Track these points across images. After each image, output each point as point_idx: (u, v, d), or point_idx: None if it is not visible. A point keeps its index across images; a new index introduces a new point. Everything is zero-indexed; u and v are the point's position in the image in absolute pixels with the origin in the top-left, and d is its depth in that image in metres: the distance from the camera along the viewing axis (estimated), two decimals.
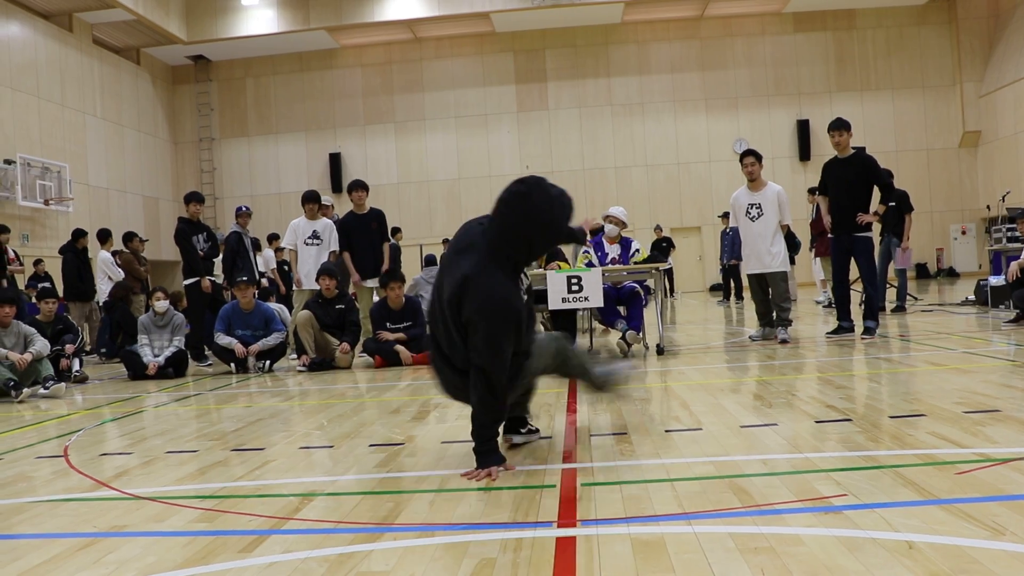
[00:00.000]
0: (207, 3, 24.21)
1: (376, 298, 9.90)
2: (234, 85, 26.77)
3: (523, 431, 4.06)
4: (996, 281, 11.10)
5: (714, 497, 2.92)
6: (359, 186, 9.80)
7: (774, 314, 8.59)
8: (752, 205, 8.59)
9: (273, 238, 15.22)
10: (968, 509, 2.58)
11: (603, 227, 8.71)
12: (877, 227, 9.81)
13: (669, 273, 20.23)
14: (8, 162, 18.15)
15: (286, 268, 13.19)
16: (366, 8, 23.93)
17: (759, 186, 8.64)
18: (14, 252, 13.48)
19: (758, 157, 8.70)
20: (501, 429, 3.70)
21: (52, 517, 3.21)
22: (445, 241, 19.30)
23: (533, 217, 3.51)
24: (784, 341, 8.30)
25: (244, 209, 10.95)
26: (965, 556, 2.18)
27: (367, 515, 2.97)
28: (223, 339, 8.75)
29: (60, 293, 12.50)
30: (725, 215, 17.53)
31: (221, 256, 10.65)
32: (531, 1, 23.11)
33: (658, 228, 21.60)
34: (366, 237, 9.60)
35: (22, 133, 19.12)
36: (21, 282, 13.68)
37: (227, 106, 26.80)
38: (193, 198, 10.08)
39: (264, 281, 12.84)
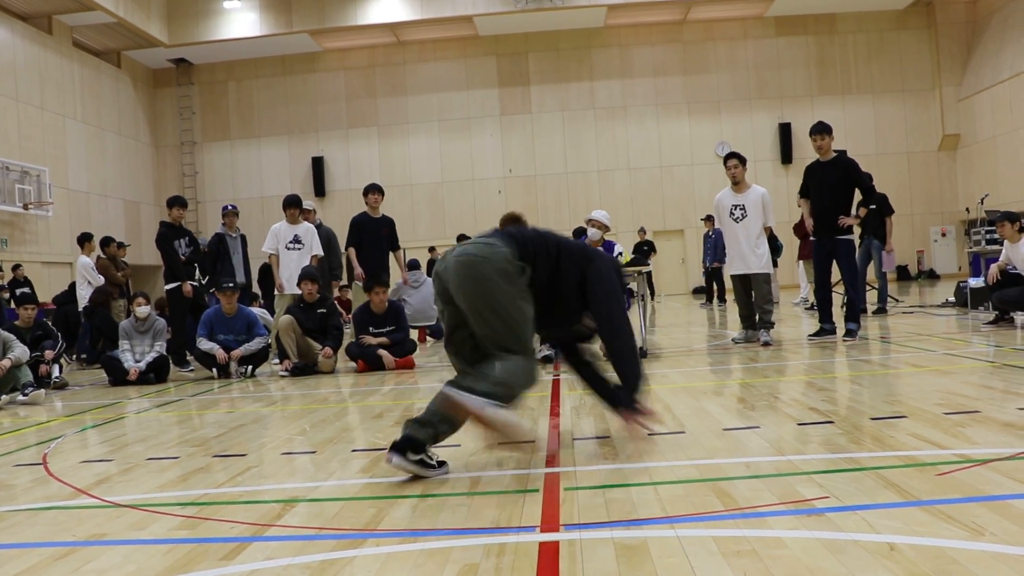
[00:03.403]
0: (188, 6, 24.09)
1: None
2: (216, 88, 26.65)
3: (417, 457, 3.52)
4: (976, 283, 11.19)
5: (697, 501, 2.92)
6: (375, 189, 9.90)
7: (757, 317, 8.62)
8: (736, 206, 8.63)
9: None
10: (949, 510, 2.59)
11: (586, 231, 8.73)
12: (858, 230, 9.88)
13: (648, 276, 20.24)
14: None
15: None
16: (349, 11, 23.90)
17: (743, 188, 8.69)
18: None
19: (741, 160, 8.74)
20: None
21: (31, 526, 3.17)
22: (432, 249, 19.27)
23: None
24: (767, 343, 8.33)
25: (229, 208, 10.62)
26: (946, 557, 2.20)
27: (349, 521, 2.96)
28: (205, 344, 8.69)
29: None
30: (708, 218, 17.58)
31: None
32: (514, 4, 23.14)
33: (642, 231, 21.62)
34: (375, 241, 9.70)
35: (1, 136, 18.95)
36: None
37: (209, 109, 26.68)
38: (176, 202, 10.00)
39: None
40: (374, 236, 9.73)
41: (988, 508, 2.60)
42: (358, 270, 9.70)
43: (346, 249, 9.97)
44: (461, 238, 16.00)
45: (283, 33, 24.21)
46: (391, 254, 9.98)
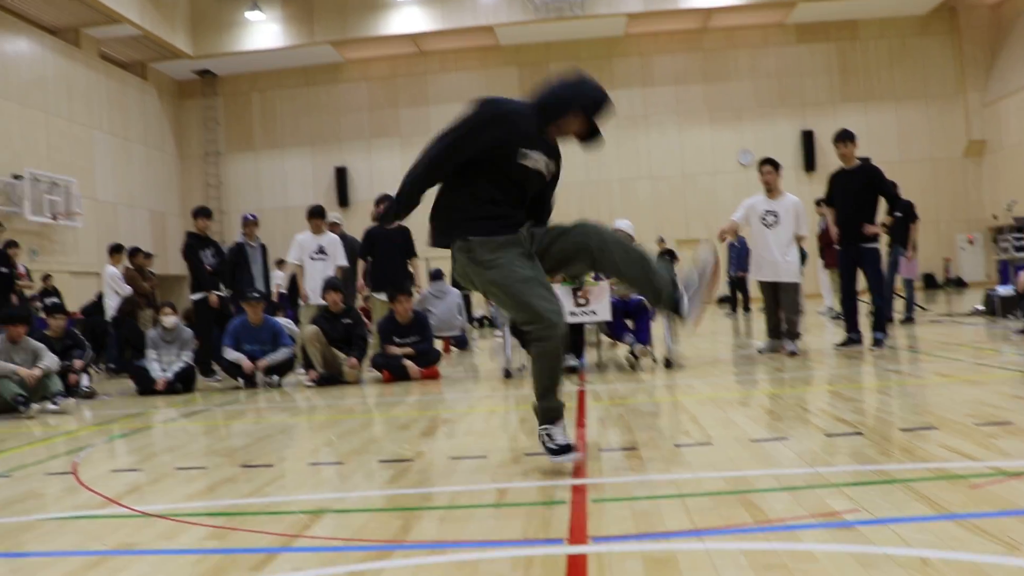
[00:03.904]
0: (213, 18, 24.35)
1: None
2: (240, 99, 26.89)
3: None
4: (1005, 291, 11.07)
5: (725, 513, 2.90)
6: (388, 199, 9.81)
7: (784, 326, 8.54)
8: (769, 212, 8.53)
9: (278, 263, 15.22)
10: (982, 524, 2.56)
11: None
12: (885, 238, 9.78)
13: None
14: (16, 177, 18.24)
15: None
16: (371, 22, 24.05)
17: (776, 195, 8.59)
18: (24, 267, 13.52)
19: (775, 165, 8.64)
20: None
21: (61, 535, 3.20)
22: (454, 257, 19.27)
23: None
24: (793, 353, 8.27)
25: (251, 218, 10.55)
26: (980, 572, 2.17)
27: (377, 532, 2.96)
28: (231, 354, 8.74)
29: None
30: None
31: None
32: (535, 14, 23.19)
33: (661, 240, 21.56)
34: (389, 251, 9.66)
35: (30, 148, 19.22)
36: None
37: (233, 120, 26.92)
38: (201, 213, 10.08)
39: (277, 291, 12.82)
40: (388, 246, 9.69)
41: (1023, 522, 2.57)
42: (359, 283, 9.65)
43: (359, 260, 9.90)
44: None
45: (306, 44, 24.39)
46: (409, 262, 9.89)
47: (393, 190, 3.98)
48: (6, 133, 18.55)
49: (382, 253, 9.67)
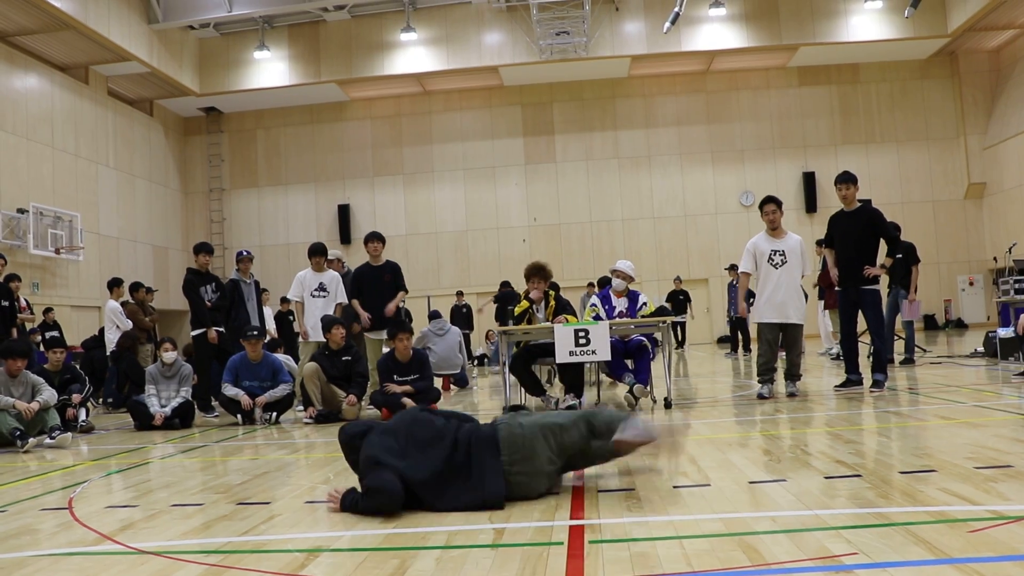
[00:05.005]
0: (220, 56, 24.66)
1: (384, 350, 9.90)
2: (245, 136, 27.13)
3: None
4: (1005, 333, 11.05)
5: (723, 555, 2.88)
6: (375, 237, 9.87)
7: (785, 368, 8.51)
8: (776, 252, 8.38)
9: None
10: (982, 569, 2.54)
11: (611, 281, 8.73)
12: (885, 279, 9.81)
13: (683, 325, 20.22)
14: (21, 211, 18.34)
15: (291, 318, 13.16)
16: (376, 61, 24.33)
17: (781, 234, 8.49)
18: (26, 301, 13.54)
19: (779, 204, 8.52)
20: None
21: (54, 572, 3.18)
22: (459, 294, 19.45)
23: None
24: (792, 395, 8.24)
25: (244, 254, 10.55)
26: None
27: (373, 572, 2.94)
28: (230, 390, 8.73)
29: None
30: (732, 267, 17.52)
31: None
32: (539, 55, 23.45)
33: (678, 279, 21.34)
34: (379, 289, 9.64)
35: (36, 182, 19.37)
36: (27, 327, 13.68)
37: (237, 157, 27.13)
38: (202, 249, 10.11)
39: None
40: (375, 284, 9.68)
41: (1022, 568, 2.55)
42: (364, 315, 9.58)
43: (349, 300, 9.86)
44: (504, 284, 16.14)
45: (311, 83, 24.66)
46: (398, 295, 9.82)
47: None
48: (13, 167, 18.72)
49: (372, 291, 9.64)
